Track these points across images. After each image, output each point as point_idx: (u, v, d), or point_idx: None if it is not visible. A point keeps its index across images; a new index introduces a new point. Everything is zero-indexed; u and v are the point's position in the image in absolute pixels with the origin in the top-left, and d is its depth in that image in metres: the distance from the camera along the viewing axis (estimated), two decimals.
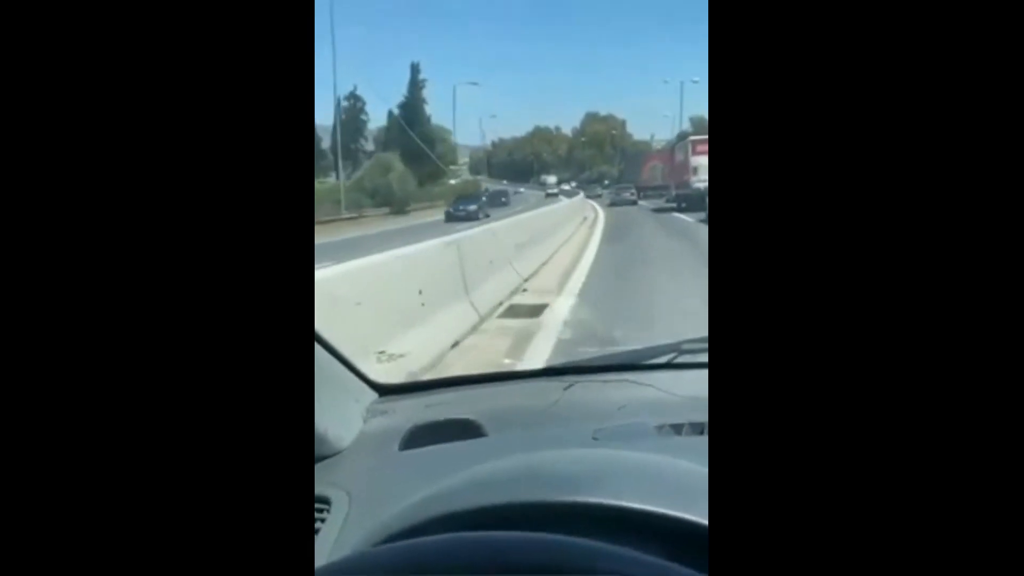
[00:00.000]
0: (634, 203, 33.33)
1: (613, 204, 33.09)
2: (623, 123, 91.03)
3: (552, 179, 68.84)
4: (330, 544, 0.73)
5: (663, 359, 1.25)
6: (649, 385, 1.14)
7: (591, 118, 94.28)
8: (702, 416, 0.88)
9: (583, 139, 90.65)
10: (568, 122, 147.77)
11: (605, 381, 1.22)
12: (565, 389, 1.18)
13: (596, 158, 79.95)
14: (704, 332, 0.74)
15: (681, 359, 1.23)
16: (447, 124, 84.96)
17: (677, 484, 0.60)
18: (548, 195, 47.33)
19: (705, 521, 0.52)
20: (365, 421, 1.13)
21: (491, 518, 0.57)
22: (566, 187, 56.25)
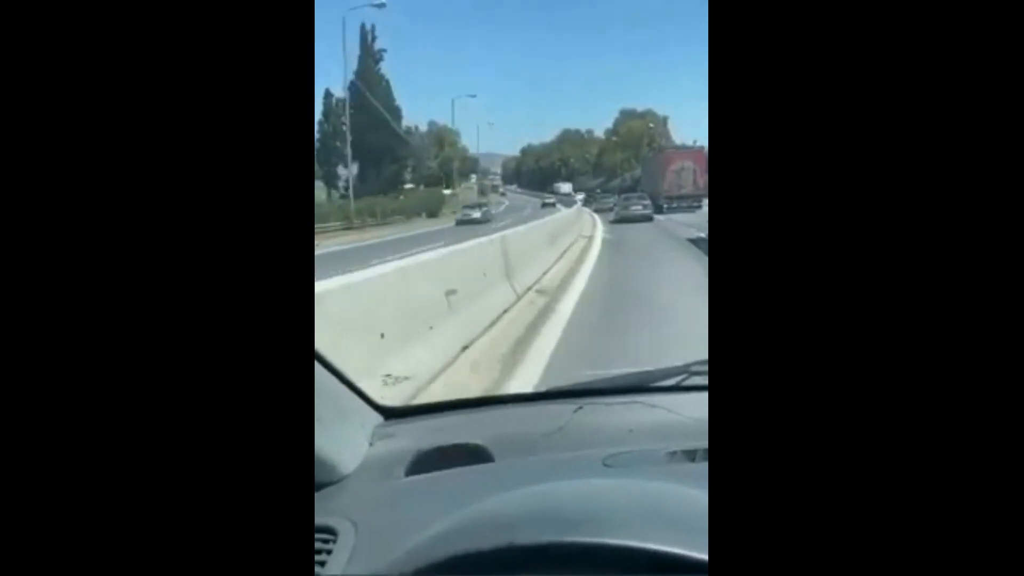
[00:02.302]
0: (648, 219, 24.29)
1: (620, 220, 24.26)
2: (664, 120, 77.05)
3: (566, 187, 66.41)
4: None
5: (672, 381, 1.23)
6: (660, 408, 1.12)
7: (626, 116, 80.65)
8: None
9: (615, 139, 76.97)
10: (601, 122, 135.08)
11: (614, 404, 1.20)
12: (574, 412, 1.16)
13: (629, 161, 66.26)
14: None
15: (690, 381, 1.21)
16: (448, 125, 73.54)
17: (694, 520, 0.58)
18: (545, 204, 46.55)
19: None
20: (371, 445, 1.11)
21: (503, 562, 0.57)
22: (579, 196, 52.97)
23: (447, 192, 58.71)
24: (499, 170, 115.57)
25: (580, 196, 52.94)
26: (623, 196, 29.79)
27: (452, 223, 29.48)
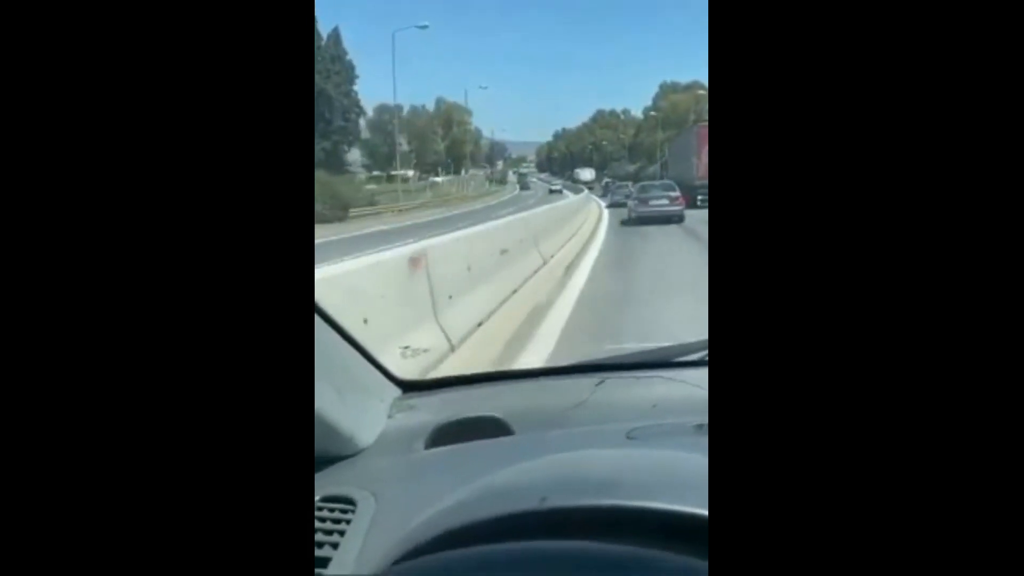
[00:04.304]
0: (677, 219, 15.62)
1: (639, 221, 15.65)
2: None
3: (587, 174, 61.85)
4: (356, 549, 0.71)
5: (695, 356, 1.22)
6: (683, 382, 1.10)
7: (666, 90, 68.74)
8: None
9: (653, 113, 65.04)
10: (639, 100, 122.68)
11: (637, 378, 1.19)
12: (596, 386, 1.14)
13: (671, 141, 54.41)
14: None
15: None
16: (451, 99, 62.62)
17: None
18: (552, 191, 44.92)
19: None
20: (389, 418, 1.11)
21: (526, 525, 0.56)
22: (602, 184, 48.07)
23: (438, 180, 48.24)
24: (534, 157, 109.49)
25: (603, 183, 46.86)
26: (640, 186, 19.52)
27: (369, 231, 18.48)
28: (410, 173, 45.55)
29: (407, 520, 0.65)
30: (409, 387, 1.22)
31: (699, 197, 19.02)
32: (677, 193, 16.30)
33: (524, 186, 57.98)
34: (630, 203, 16.98)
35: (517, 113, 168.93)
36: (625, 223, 16.00)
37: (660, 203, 15.93)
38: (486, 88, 63.29)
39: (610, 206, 22.82)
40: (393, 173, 42.67)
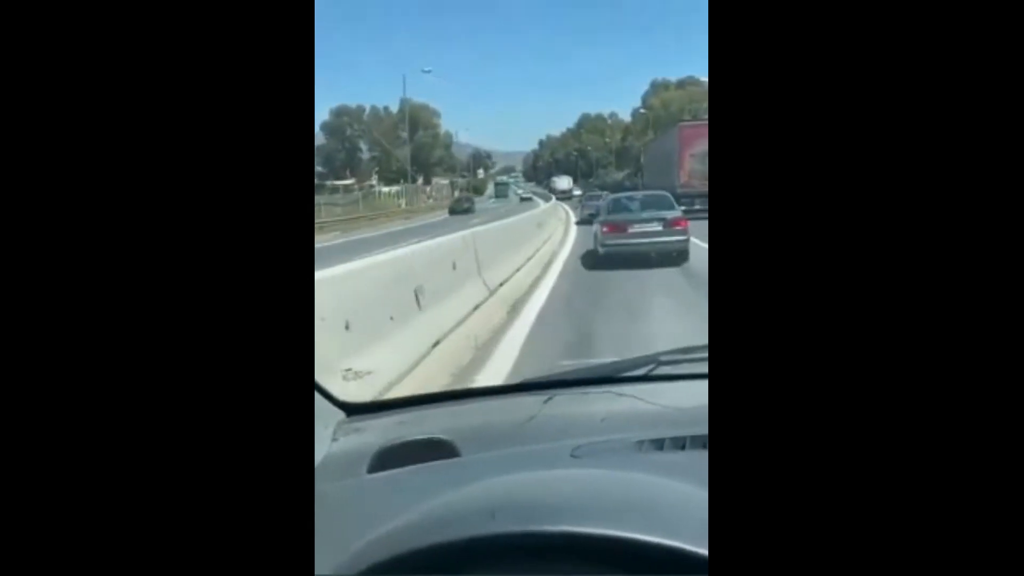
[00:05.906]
0: (680, 255, 8.85)
1: (610, 260, 8.94)
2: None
3: (563, 182, 57.67)
4: None
5: (642, 371, 1.26)
6: (631, 397, 1.14)
7: (658, 89, 61.92)
8: (682, 431, 0.91)
9: (643, 111, 58.27)
10: (628, 101, 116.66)
11: (585, 393, 1.23)
12: (544, 403, 1.18)
13: None
14: (678, 345, 1.05)
15: (659, 371, 1.25)
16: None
17: (658, 508, 0.58)
18: (523, 200, 45.22)
19: (688, 547, 0.51)
20: (333, 441, 1.11)
21: (464, 555, 0.56)
22: (577, 191, 45.16)
23: (385, 190, 41.22)
24: (520, 166, 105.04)
25: (576, 193, 43.03)
26: (612, 200, 11.44)
27: None
28: (348, 182, 38.86)
29: (347, 550, 0.64)
30: (354, 410, 1.21)
31: (681, 208, 12.40)
32: (676, 211, 9.63)
33: (457, 208, 34.27)
34: (596, 227, 10.09)
35: (505, 122, 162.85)
36: (587, 263, 9.47)
37: (648, 229, 9.21)
38: (429, 71, 58.29)
39: (580, 222, 18.00)
40: (335, 183, 35.91)
